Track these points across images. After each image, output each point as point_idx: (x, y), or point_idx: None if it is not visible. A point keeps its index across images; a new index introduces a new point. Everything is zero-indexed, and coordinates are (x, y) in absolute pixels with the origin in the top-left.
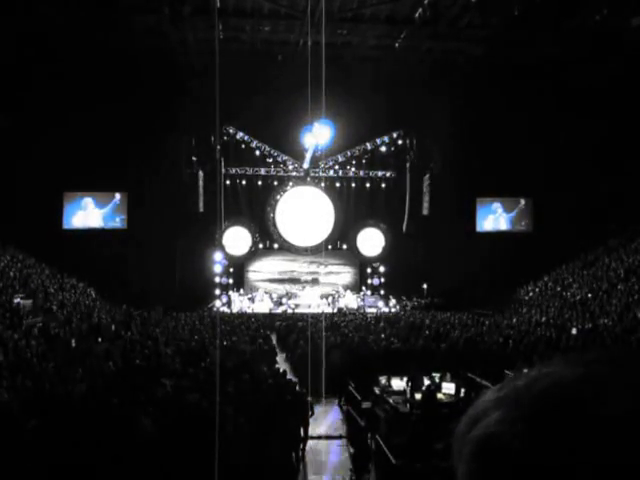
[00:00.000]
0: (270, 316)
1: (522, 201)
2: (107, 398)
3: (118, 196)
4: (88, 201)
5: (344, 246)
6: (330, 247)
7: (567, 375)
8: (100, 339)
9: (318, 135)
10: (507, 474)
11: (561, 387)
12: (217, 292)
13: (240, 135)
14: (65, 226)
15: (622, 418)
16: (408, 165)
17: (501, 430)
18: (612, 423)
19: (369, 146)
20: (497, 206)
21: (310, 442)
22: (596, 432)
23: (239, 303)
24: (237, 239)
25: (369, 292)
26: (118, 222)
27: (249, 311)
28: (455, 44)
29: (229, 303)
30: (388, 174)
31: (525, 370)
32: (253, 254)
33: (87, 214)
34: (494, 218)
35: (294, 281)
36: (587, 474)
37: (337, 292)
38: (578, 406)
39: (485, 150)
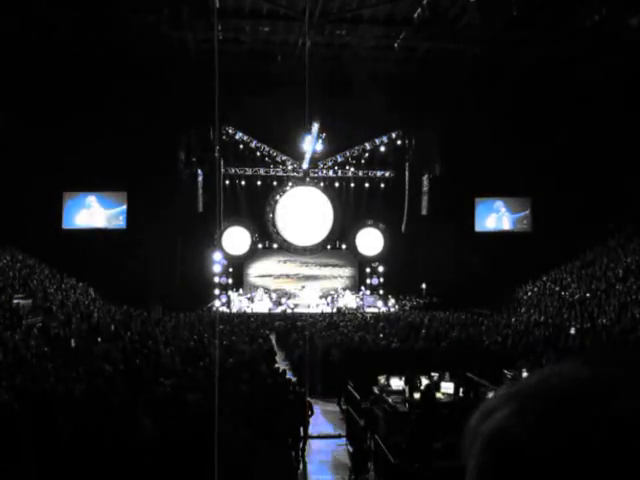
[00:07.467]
0: (269, 316)
1: (528, 206)
2: (107, 398)
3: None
4: (92, 199)
5: (343, 246)
6: (329, 247)
7: (579, 374)
8: (100, 339)
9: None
10: (517, 467)
11: (573, 384)
12: (216, 292)
13: (239, 135)
14: (65, 225)
15: (632, 417)
16: (407, 165)
17: (511, 423)
18: (621, 421)
19: (368, 146)
20: (500, 205)
21: (310, 441)
22: (605, 429)
23: (238, 303)
24: (236, 239)
25: (368, 292)
26: (121, 221)
27: (248, 311)
28: (454, 44)
29: (228, 303)
30: (387, 174)
31: (533, 370)
32: (252, 254)
33: (92, 213)
34: (497, 217)
35: (293, 281)
36: (594, 467)
37: (336, 292)
38: (589, 403)
39: (484, 150)
